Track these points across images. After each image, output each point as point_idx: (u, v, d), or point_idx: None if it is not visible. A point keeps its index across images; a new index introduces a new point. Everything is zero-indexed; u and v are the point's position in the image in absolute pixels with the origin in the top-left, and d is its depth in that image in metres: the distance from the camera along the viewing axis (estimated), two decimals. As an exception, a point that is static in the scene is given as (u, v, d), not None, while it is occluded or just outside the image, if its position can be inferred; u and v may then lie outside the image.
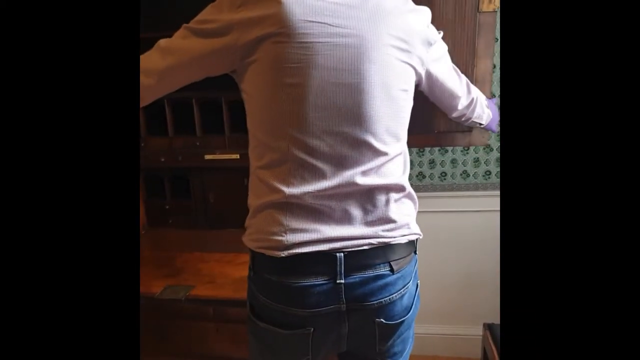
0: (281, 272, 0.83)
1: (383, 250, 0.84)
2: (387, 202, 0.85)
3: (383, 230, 0.84)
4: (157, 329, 1.40)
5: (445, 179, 1.93)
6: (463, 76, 1.13)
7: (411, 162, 1.90)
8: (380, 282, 0.83)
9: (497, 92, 1.79)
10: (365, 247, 0.82)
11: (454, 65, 1.09)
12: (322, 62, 0.77)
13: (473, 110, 1.18)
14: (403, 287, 0.86)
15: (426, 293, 2.04)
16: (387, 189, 0.85)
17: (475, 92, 1.18)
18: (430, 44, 0.91)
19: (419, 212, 1.93)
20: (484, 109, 1.23)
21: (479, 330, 1.76)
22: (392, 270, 0.84)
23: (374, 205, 0.84)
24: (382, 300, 0.84)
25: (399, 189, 0.87)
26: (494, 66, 1.76)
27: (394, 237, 0.85)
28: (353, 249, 0.82)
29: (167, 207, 1.78)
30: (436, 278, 2.04)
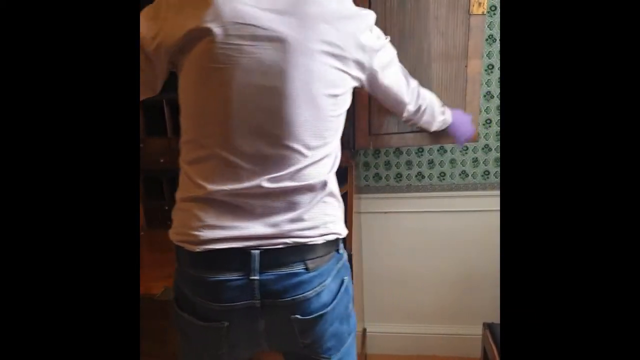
0: (198, 266, 0.85)
1: (299, 249, 0.85)
2: (308, 202, 0.87)
3: (300, 230, 0.85)
4: (157, 330, 1.39)
5: (444, 179, 1.93)
6: (414, 82, 1.14)
7: (410, 162, 1.91)
8: (295, 280, 0.85)
9: (495, 92, 1.79)
10: (280, 246, 0.84)
11: (405, 71, 1.10)
12: (247, 64, 0.80)
13: (420, 117, 1.21)
14: (319, 285, 0.87)
15: (425, 293, 2.06)
16: (309, 189, 0.87)
17: (426, 100, 1.20)
18: (373, 49, 0.92)
19: (419, 212, 1.96)
20: (434, 117, 1.26)
21: (478, 330, 1.77)
22: (307, 268, 0.86)
23: (294, 205, 0.86)
24: (296, 297, 0.85)
25: (322, 189, 0.89)
26: (492, 66, 1.76)
27: (311, 237, 0.86)
28: (269, 247, 0.84)
29: (166, 208, 1.77)
30: (435, 278, 2.04)
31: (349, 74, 0.89)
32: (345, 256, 0.97)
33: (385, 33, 1.42)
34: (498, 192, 1.90)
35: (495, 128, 1.84)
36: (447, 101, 1.51)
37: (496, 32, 1.73)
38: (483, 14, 1.40)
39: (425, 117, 1.22)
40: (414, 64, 1.44)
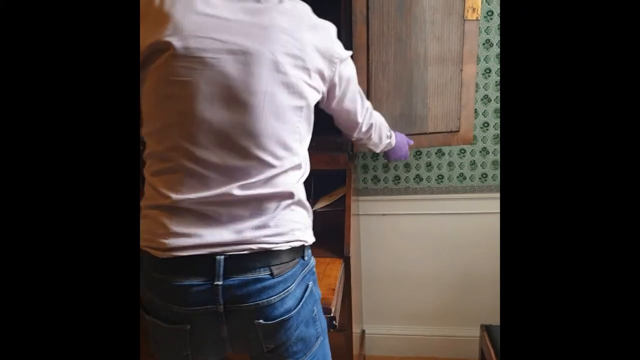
0: (163, 271, 0.86)
1: (265, 255, 0.86)
2: (275, 209, 0.88)
3: (266, 236, 0.87)
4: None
5: (442, 182, 1.95)
6: (367, 103, 1.16)
7: (408, 165, 1.93)
8: (259, 285, 0.86)
9: (492, 95, 1.81)
10: (245, 252, 0.85)
11: (361, 91, 1.12)
12: (210, 77, 0.80)
13: (370, 139, 1.26)
14: (284, 290, 0.88)
15: (424, 294, 2.07)
16: (277, 197, 0.88)
17: (377, 122, 1.24)
18: (333, 62, 0.93)
19: (417, 214, 1.97)
20: (382, 139, 1.31)
21: (476, 332, 1.78)
22: (272, 274, 0.87)
23: (261, 212, 0.87)
24: (260, 302, 0.86)
25: (289, 197, 0.90)
26: (489, 70, 1.78)
27: (277, 244, 0.87)
28: (233, 253, 0.85)
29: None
30: (434, 280, 2.05)
31: (312, 86, 0.90)
32: (312, 262, 0.99)
33: (383, 37, 1.45)
34: (496, 195, 1.92)
35: (493, 131, 1.86)
36: (443, 105, 1.54)
37: (493, 37, 1.75)
38: (477, 19, 1.43)
39: (374, 139, 1.27)
40: (410, 67, 1.46)
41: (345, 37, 1.44)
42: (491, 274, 1.97)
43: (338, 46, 0.97)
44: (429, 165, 1.94)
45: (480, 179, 1.93)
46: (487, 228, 1.93)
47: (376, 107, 1.48)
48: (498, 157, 1.89)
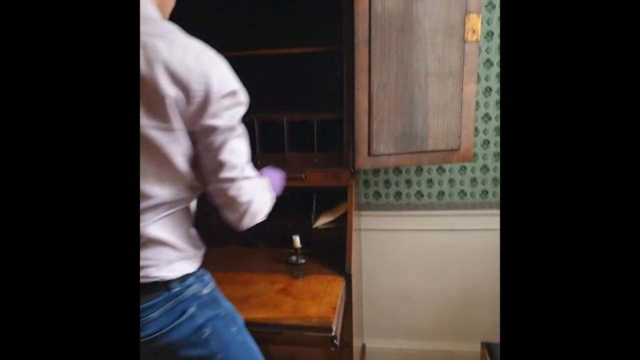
0: None
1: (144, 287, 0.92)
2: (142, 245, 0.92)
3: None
4: None
5: (442, 198, 1.97)
6: (242, 173, 0.96)
7: (409, 181, 1.95)
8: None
9: (493, 113, 1.84)
10: None
11: (238, 153, 0.93)
12: None
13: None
14: (144, 318, 0.93)
15: (424, 310, 2.08)
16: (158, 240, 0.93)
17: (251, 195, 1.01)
18: (214, 114, 0.85)
19: (418, 230, 1.99)
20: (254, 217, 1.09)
21: (476, 348, 1.78)
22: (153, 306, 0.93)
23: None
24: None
25: (145, 237, 0.92)
26: (489, 89, 1.81)
27: (147, 277, 0.93)
28: None
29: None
30: (434, 295, 2.06)
31: (186, 129, 0.86)
32: (193, 290, 1.01)
33: (385, 58, 1.47)
34: (496, 212, 1.93)
35: (493, 149, 1.88)
36: (443, 123, 1.56)
37: (493, 57, 1.78)
38: (477, 40, 1.46)
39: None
40: (412, 87, 1.49)
41: (348, 59, 1.48)
42: (491, 290, 1.98)
43: (227, 100, 0.89)
44: (429, 181, 1.96)
45: (480, 195, 1.94)
46: (488, 244, 1.94)
47: (378, 127, 1.51)
48: (498, 174, 1.91)
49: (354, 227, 1.63)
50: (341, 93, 1.55)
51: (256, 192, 1.01)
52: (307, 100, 1.84)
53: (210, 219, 1.78)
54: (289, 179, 1.66)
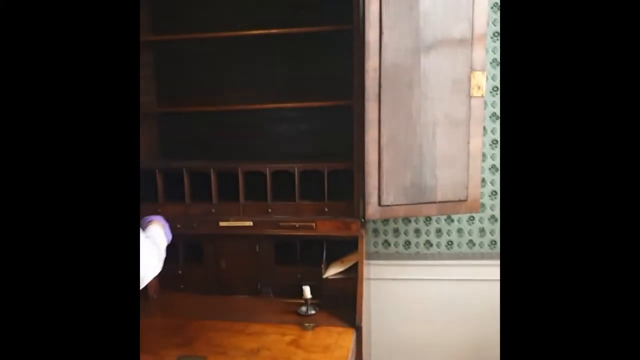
0: None
1: None
2: None
3: None
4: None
5: (452, 248, 1.97)
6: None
7: (418, 230, 1.96)
8: None
9: (497, 163, 1.87)
10: None
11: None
12: None
13: None
14: None
15: (435, 363, 2.03)
16: None
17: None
18: None
19: (427, 279, 1.98)
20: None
21: (490, 406, 1.72)
22: None
23: None
24: None
25: None
26: (496, 141, 1.85)
27: None
28: None
29: (180, 272, 1.82)
30: (443, 345, 2.01)
31: None
32: None
33: (394, 112, 1.53)
34: (506, 262, 1.92)
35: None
36: (451, 174, 1.59)
37: (499, 110, 1.83)
38: (482, 96, 1.52)
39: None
40: (420, 140, 1.53)
41: (358, 112, 1.53)
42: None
43: None
44: (438, 231, 1.97)
45: (489, 245, 1.94)
46: (497, 295, 1.91)
47: (388, 178, 1.54)
48: (507, 224, 1.92)
49: (364, 269, 1.63)
50: (351, 144, 1.60)
51: (143, 257, 1.07)
52: (317, 150, 1.89)
53: (222, 267, 1.78)
54: (299, 227, 1.69)
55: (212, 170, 1.75)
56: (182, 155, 2.00)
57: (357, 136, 1.57)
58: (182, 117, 2.00)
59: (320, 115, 1.85)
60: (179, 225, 1.77)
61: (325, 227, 1.66)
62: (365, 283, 1.72)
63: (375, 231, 2.02)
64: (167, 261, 1.87)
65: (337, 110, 1.71)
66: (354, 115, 1.57)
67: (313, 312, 1.60)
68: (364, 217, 1.63)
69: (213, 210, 1.78)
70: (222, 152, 1.98)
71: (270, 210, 1.73)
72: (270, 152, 1.93)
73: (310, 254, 1.76)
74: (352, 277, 1.63)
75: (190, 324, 1.56)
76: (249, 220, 1.72)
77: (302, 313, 1.60)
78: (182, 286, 1.83)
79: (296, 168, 1.68)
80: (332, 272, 1.66)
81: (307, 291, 1.60)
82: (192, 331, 1.51)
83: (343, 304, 1.62)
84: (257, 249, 1.75)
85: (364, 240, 1.66)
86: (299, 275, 1.72)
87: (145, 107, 1.90)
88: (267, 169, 1.70)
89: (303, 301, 1.61)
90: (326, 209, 1.68)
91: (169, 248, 1.84)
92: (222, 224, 1.74)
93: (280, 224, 1.69)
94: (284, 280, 1.75)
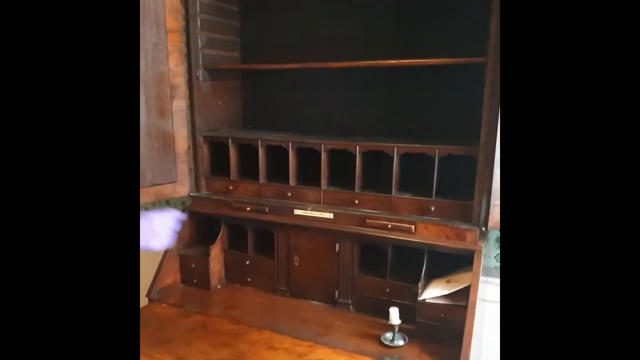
0: None
1: None
2: None
3: None
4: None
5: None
6: None
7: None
8: None
9: None
10: None
11: None
12: None
13: None
14: None
15: None
16: None
17: None
18: None
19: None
20: None
21: None
22: None
23: None
24: None
25: None
26: None
27: None
28: None
29: (248, 262, 1.54)
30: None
31: None
32: None
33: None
34: None
35: None
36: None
37: None
38: None
39: None
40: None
41: (494, 74, 1.05)
42: None
43: None
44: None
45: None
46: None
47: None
48: None
49: (477, 298, 1.17)
50: (476, 121, 1.13)
51: None
52: (422, 126, 1.44)
53: (294, 263, 1.46)
54: (392, 228, 1.28)
55: (290, 144, 1.41)
56: (267, 126, 1.70)
57: (489, 109, 1.10)
58: (269, 78, 1.69)
59: (433, 80, 1.39)
60: (248, 208, 1.48)
61: (429, 233, 1.23)
62: (478, 307, 1.26)
63: (499, 240, 1.52)
64: (234, 247, 1.62)
65: (461, 70, 1.23)
66: (486, 76, 1.09)
67: (401, 342, 1.20)
68: (485, 225, 1.16)
69: (289, 194, 1.45)
70: (308, 124, 1.64)
71: (357, 202, 1.34)
72: (362, 127, 1.53)
73: (405, 264, 1.34)
74: (461, 305, 1.18)
75: (247, 333, 1.26)
76: (330, 212, 1.35)
77: (385, 342, 1.20)
78: (249, 279, 1.55)
79: (396, 149, 1.26)
80: (432, 293, 1.22)
81: (395, 315, 1.19)
82: (246, 343, 1.21)
83: (443, 337, 1.18)
84: (337, 249, 1.38)
85: (482, 254, 1.19)
86: (388, 290, 1.32)
87: (226, 62, 1.63)
88: (357, 148, 1.31)
89: (389, 325, 1.21)
90: (432, 208, 1.24)
91: (239, 232, 1.58)
92: (297, 212, 1.40)
93: (368, 221, 1.29)
94: (368, 293, 1.36)
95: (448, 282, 1.25)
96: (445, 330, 1.19)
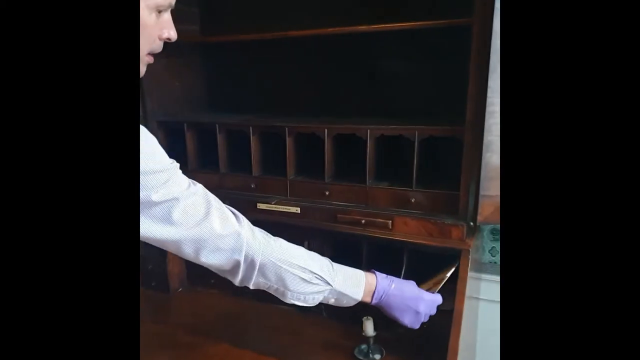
0: None
1: None
2: None
3: None
4: None
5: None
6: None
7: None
8: None
9: None
10: None
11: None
12: None
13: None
14: None
15: None
16: None
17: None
18: None
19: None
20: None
21: None
22: None
23: None
24: None
25: None
26: None
27: None
28: None
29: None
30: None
31: None
32: None
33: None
34: None
35: None
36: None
37: None
38: None
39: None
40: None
41: (482, 39, 0.86)
42: None
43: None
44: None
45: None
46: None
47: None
48: None
49: (469, 295, 1.01)
50: (460, 97, 0.94)
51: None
52: (401, 104, 1.25)
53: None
54: (366, 224, 1.10)
55: (251, 129, 1.22)
56: (235, 108, 1.51)
57: (476, 81, 0.91)
58: (233, 52, 1.49)
59: (421, 49, 1.20)
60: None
61: (408, 229, 1.05)
62: (471, 304, 1.09)
63: (494, 232, 1.35)
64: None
65: (444, 35, 1.05)
66: (472, 41, 0.90)
67: (377, 356, 1.04)
68: (474, 220, 0.98)
69: (253, 186, 1.27)
70: (265, 105, 1.45)
71: (327, 194, 1.16)
72: (335, 106, 1.35)
73: (383, 264, 1.17)
74: (446, 310, 1.01)
75: (202, 346, 1.10)
76: (296, 206, 1.18)
77: (360, 356, 1.04)
78: (212, 281, 1.38)
79: (369, 131, 1.08)
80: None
81: (368, 327, 1.02)
82: (204, 358, 1.05)
83: (427, 349, 1.02)
84: (306, 247, 1.21)
85: (473, 245, 1.02)
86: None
87: (185, 36, 1.43)
88: (326, 131, 1.12)
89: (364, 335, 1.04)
90: (412, 200, 1.07)
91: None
92: (260, 206, 1.22)
93: (339, 215, 1.12)
94: (343, 296, 1.19)
95: (437, 283, 1.07)
96: (430, 338, 1.02)
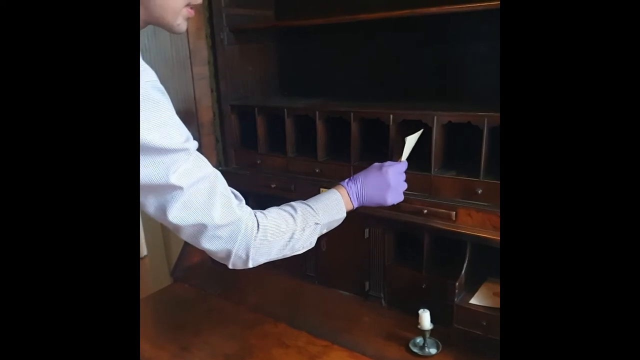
0: None
1: None
2: None
3: None
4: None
5: None
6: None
7: None
8: None
9: None
10: None
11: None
12: None
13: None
14: None
15: None
16: None
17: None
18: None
19: None
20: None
21: None
22: None
23: None
24: None
25: None
26: None
27: None
28: None
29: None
30: None
31: None
32: None
33: None
34: None
35: None
36: None
37: None
38: None
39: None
40: None
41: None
42: None
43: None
44: None
45: None
46: None
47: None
48: None
49: None
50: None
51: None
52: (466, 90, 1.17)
53: (321, 248, 1.30)
54: (428, 214, 1.05)
55: (317, 113, 1.23)
56: (308, 93, 1.53)
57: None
58: (307, 38, 1.50)
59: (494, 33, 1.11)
60: (273, 185, 1.34)
61: (473, 221, 1.00)
62: None
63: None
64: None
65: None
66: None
67: (433, 350, 1.00)
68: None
69: (317, 170, 1.28)
70: (330, 89, 1.44)
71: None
72: (410, 90, 1.30)
73: (443, 257, 1.12)
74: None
75: (261, 324, 1.15)
76: (359, 192, 1.16)
77: (414, 348, 1.01)
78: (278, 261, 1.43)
79: (436, 118, 1.02)
80: (476, 299, 1.00)
81: (425, 320, 0.99)
82: (258, 337, 1.10)
83: (484, 350, 0.97)
84: (367, 235, 1.19)
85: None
86: (424, 286, 1.12)
87: (259, 21, 1.47)
88: (391, 117, 1.09)
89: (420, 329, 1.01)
90: (479, 191, 1.00)
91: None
92: (323, 190, 1.23)
93: (401, 204, 1.09)
94: (402, 286, 1.17)
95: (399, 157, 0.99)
96: (488, 341, 0.96)
